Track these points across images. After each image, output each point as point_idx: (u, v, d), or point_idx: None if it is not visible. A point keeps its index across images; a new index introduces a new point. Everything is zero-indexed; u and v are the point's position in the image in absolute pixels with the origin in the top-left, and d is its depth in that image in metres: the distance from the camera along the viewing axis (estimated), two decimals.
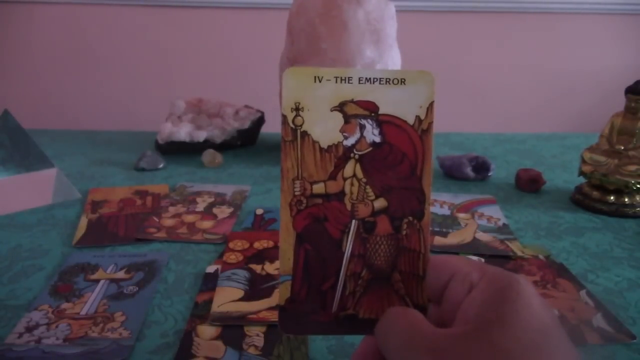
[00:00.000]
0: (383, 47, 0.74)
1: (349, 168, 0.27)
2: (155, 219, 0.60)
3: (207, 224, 0.59)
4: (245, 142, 0.90)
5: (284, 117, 0.26)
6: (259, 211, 0.63)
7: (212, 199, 0.66)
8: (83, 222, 0.59)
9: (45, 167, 0.67)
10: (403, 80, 0.27)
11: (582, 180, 0.69)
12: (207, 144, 0.84)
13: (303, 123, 0.27)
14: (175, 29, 1.83)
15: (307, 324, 0.26)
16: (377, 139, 0.27)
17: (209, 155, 0.80)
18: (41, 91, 1.89)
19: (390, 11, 0.75)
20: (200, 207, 0.64)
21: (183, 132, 0.83)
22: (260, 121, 0.90)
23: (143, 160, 0.78)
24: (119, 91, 1.90)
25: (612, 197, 0.63)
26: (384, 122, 0.27)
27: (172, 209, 0.63)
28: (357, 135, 0.27)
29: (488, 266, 0.25)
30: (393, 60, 0.76)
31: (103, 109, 1.90)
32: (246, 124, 0.88)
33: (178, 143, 0.83)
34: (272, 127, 0.94)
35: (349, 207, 0.27)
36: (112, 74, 1.88)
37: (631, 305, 0.44)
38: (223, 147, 0.86)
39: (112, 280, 0.47)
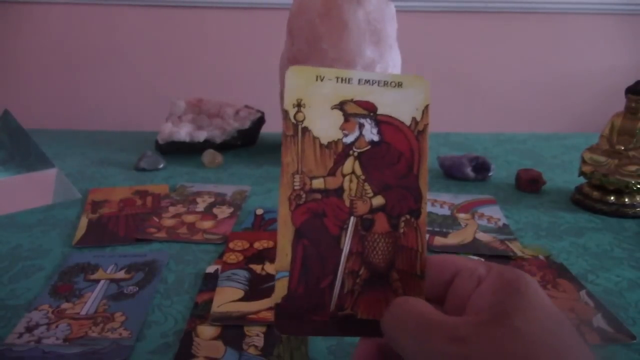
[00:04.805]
0: (383, 47, 0.74)
1: (348, 165, 0.27)
2: (156, 219, 0.60)
3: (207, 224, 0.59)
4: (246, 142, 0.90)
5: (286, 112, 0.27)
6: (259, 211, 0.63)
7: (212, 199, 0.66)
8: (83, 222, 0.59)
9: (45, 167, 0.67)
10: (400, 83, 0.28)
11: (582, 180, 0.69)
12: (207, 144, 0.84)
13: (304, 119, 0.27)
14: (175, 29, 1.83)
15: (303, 323, 0.26)
16: (376, 138, 0.27)
17: (209, 155, 0.80)
18: (41, 91, 1.89)
19: (390, 11, 0.75)
20: (201, 207, 0.64)
21: (183, 132, 0.83)
22: (260, 121, 0.90)
23: (143, 161, 0.78)
24: (119, 91, 1.90)
25: (612, 197, 0.63)
26: (382, 122, 0.27)
27: (172, 209, 0.63)
28: (357, 133, 0.27)
29: (492, 263, 0.25)
30: (393, 61, 0.76)
31: (103, 109, 1.90)
32: (246, 124, 0.88)
33: (178, 143, 0.83)
34: (272, 127, 0.94)
35: (347, 203, 0.27)
36: (112, 74, 1.88)
37: (631, 305, 0.44)
38: (223, 147, 0.86)
39: (112, 280, 0.47)
